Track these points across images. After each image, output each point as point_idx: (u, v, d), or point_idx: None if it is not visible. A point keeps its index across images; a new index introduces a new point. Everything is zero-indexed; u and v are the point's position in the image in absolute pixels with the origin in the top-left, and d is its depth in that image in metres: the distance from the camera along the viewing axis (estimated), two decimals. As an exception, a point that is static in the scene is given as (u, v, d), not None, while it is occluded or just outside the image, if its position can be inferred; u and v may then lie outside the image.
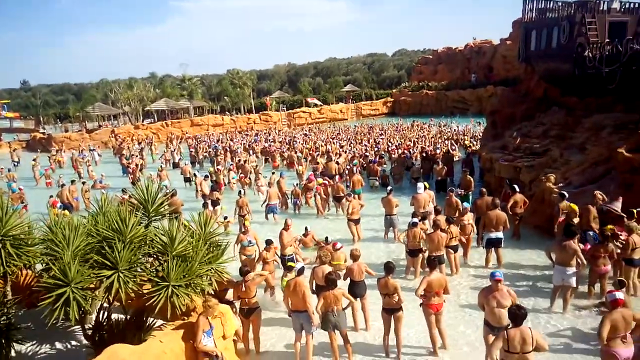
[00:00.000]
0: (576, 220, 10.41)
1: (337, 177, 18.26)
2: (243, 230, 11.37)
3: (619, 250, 9.22)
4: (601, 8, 17.39)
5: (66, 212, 14.56)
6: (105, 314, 6.72)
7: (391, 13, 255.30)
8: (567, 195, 11.73)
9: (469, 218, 11.80)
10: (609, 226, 9.56)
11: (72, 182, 20.29)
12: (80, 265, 5.87)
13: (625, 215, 9.98)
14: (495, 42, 55.87)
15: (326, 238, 11.48)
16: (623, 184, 11.74)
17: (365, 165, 21.79)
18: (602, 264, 9.05)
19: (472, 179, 16.50)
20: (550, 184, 13.29)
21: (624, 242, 9.14)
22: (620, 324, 6.11)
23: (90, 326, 6.71)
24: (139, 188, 7.26)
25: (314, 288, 8.64)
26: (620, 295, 6.31)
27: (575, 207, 10.76)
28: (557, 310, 9.10)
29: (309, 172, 21.90)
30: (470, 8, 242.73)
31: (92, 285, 6.12)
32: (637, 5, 17.72)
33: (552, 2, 19.01)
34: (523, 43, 20.40)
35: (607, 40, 16.39)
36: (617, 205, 10.35)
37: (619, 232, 9.39)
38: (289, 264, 9.02)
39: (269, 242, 10.46)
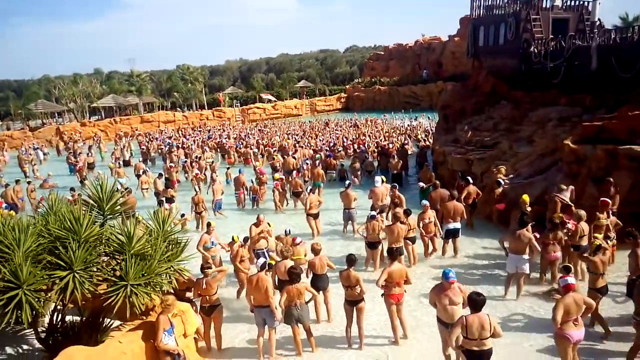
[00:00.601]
0: (528, 209, 10.79)
1: (294, 172, 18.26)
2: (207, 230, 11.03)
3: (566, 238, 9.67)
4: (544, 5, 18.11)
5: (12, 212, 13.89)
6: (60, 315, 6.48)
7: (341, 10, 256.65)
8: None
9: (430, 216, 11.51)
10: (558, 214, 10.00)
11: (17, 181, 19.35)
12: (32, 266, 5.62)
13: (573, 205, 10.46)
14: (444, 38, 57.12)
15: (286, 231, 11.38)
16: (569, 174, 12.29)
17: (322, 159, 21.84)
18: (552, 250, 9.47)
19: (432, 173, 16.58)
20: (501, 175, 13.76)
21: (572, 229, 9.58)
22: (573, 308, 6.39)
23: (44, 329, 6.44)
24: (92, 186, 7.02)
25: (276, 283, 8.61)
26: (571, 280, 6.60)
27: (527, 198, 11.17)
28: (511, 297, 9.43)
29: (266, 168, 21.80)
30: (418, 6, 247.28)
31: (45, 287, 5.87)
32: (577, 3, 18.58)
33: (498, -1, 19.65)
34: (471, 39, 20.95)
35: (551, 36, 17.10)
36: (567, 195, 10.82)
37: (567, 220, 9.84)
38: (270, 261, 9.04)
39: (246, 240, 10.44)
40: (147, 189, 19.96)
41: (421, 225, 11.46)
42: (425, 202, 11.95)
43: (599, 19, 18.06)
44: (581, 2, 18.55)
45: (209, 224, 11.12)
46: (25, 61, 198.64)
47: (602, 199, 10.20)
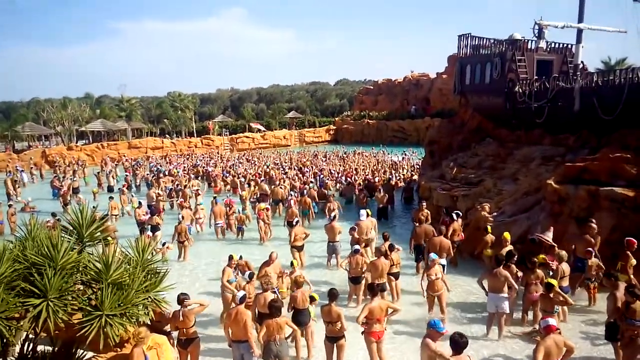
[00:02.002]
0: (508, 248, 10.81)
1: (291, 200, 18.10)
2: (229, 263, 10.37)
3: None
4: (529, 47, 18.64)
5: (-11, 236, 13.61)
6: (31, 345, 6.26)
7: (333, 45, 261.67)
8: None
9: (437, 272, 9.95)
10: (541, 256, 10.05)
11: (-3, 204, 19.04)
12: (5, 293, 5.46)
13: (556, 245, 10.53)
14: (432, 75, 58.23)
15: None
16: (552, 213, 12.40)
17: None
18: (534, 290, 9.46)
19: (428, 212, 14.76)
20: (485, 212, 13.84)
21: (554, 269, 9.62)
22: (553, 350, 6.35)
23: (13, 359, 6.21)
24: (71, 211, 6.91)
25: (255, 316, 8.46)
26: (552, 321, 6.59)
27: (508, 236, 11.21)
28: (492, 337, 9.36)
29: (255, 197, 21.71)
30: (407, 43, 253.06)
31: (17, 315, 5.70)
32: (561, 46, 19.17)
33: (485, 40, 20.18)
34: (458, 77, 21.40)
35: (536, 77, 17.54)
36: (549, 235, 10.90)
37: (550, 262, 9.88)
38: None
39: (251, 276, 9.56)
40: (116, 215, 19.63)
41: (425, 283, 9.99)
42: (433, 256, 10.21)
43: (582, 62, 18.65)
44: (565, 45, 19.15)
45: (230, 257, 10.44)
46: (16, 83, 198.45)
47: (627, 238, 10.02)
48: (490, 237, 11.99)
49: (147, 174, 30.56)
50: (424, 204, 15.09)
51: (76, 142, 51.67)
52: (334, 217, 14.29)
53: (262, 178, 25.97)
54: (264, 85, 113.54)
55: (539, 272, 9.51)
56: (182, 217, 15.92)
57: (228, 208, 17.91)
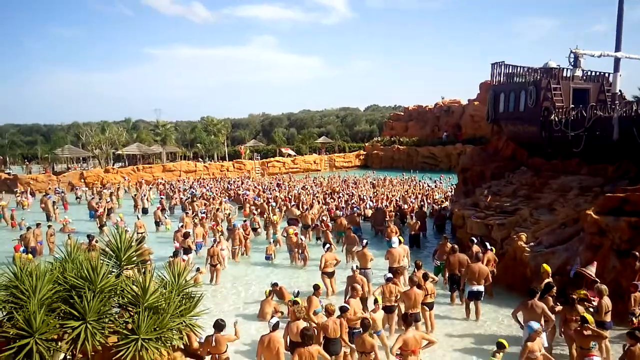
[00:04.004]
0: (548, 280, 10.48)
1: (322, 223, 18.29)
2: (315, 293, 10.08)
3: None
4: (565, 75, 18.40)
5: (29, 256, 14.01)
6: (68, 367, 6.35)
7: (362, 70, 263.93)
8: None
9: (539, 346, 7.71)
10: (582, 291, 9.70)
11: (38, 225, 19.62)
12: (46, 315, 5.59)
13: (598, 280, 10.17)
14: (463, 102, 58.00)
15: (294, 292, 11.22)
16: (591, 245, 12.02)
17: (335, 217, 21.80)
18: (575, 326, 9.10)
19: (451, 245, 13.75)
20: (522, 242, 13.52)
21: (597, 305, 9.27)
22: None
23: (51, 381, 6.30)
24: (111, 234, 7.07)
25: (288, 344, 8.39)
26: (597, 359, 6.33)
27: (548, 268, 10.89)
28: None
29: (284, 221, 21.83)
30: (437, 69, 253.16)
31: (55, 336, 5.82)
32: (597, 74, 18.86)
33: (519, 68, 20.03)
34: (492, 105, 21.20)
35: (572, 105, 17.25)
36: (592, 270, 10.55)
37: (592, 297, 9.53)
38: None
39: (343, 310, 8.94)
40: (142, 232, 20.00)
41: None
42: (535, 325, 7.83)
43: (620, 90, 18.26)
44: (602, 73, 18.83)
45: (316, 287, 10.26)
46: (57, 107, 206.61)
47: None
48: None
49: (182, 197, 31.05)
50: (447, 237, 14.66)
51: (113, 165, 53.15)
52: (366, 243, 14.19)
53: (293, 203, 26.07)
54: (294, 110, 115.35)
55: (580, 307, 9.18)
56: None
57: (244, 232, 18.30)
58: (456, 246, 13.64)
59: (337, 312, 8.67)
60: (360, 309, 9.52)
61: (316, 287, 10.30)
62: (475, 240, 13.96)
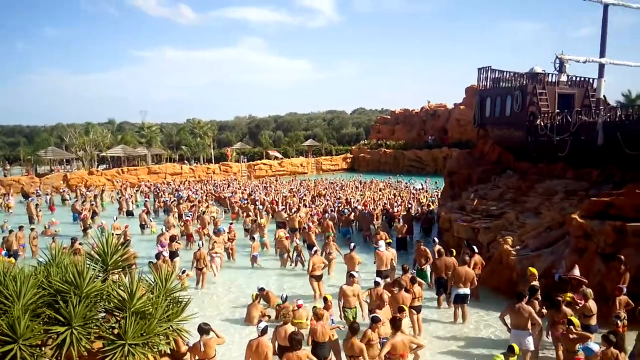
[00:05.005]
0: (536, 283, 10.55)
1: (308, 226, 18.23)
2: (325, 306, 9.70)
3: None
4: (550, 80, 18.63)
5: (12, 260, 13.74)
6: (53, 373, 6.22)
7: (349, 74, 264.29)
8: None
9: None
10: (568, 294, 9.77)
11: (20, 227, 19.30)
12: (30, 320, 5.47)
13: (586, 281, 10.28)
14: (449, 106, 58.41)
15: (282, 296, 11.17)
16: (576, 248, 12.14)
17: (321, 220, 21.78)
18: (562, 329, 9.18)
19: (428, 250, 14.20)
20: (508, 246, 13.62)
21: (579, 307, 9.35)
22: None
23: (35, 387, 6.17)
24: (94, 237, 6.97)
25: (276, 349, 8.33)
26: None
27: (535, 271, 10.97)
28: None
29: (272, 224, 21.75)
30: (424, 73, 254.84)
31: (40, 342, 5.70)
32: (581, 79, 19.12)
33: (505, 73, 20.23)
34: (478, 109, 21.36)
35: (557, 110, 17.45)
36: (576, 273, 10.65)
37: (579, 300, 9.62)
38: None
39: (375, 319, 8.44)
40: (119, 234, 19.69)
41: None
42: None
43: (604, 96, 18.52)
44: (586, 79, 19.09)
45: (325, 299, 10.01)
46: (40, 108, 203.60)
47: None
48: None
49: (167, 200, 30.79)
50: (420, 242, 14.86)
51: (97, 167, 52.53)
52: (353, 246, 14.17)
53: (282, 206, 25.97)
54: (281, 113, 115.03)
55: (567, 310, 9.25)
56: (202, 244, 15.98)
57: (229, 234, 18.22)
58: (442, 249, 13.73)
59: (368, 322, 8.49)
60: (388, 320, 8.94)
61: (325, 300, 9.96)
62: (466, 244, 14.10)
